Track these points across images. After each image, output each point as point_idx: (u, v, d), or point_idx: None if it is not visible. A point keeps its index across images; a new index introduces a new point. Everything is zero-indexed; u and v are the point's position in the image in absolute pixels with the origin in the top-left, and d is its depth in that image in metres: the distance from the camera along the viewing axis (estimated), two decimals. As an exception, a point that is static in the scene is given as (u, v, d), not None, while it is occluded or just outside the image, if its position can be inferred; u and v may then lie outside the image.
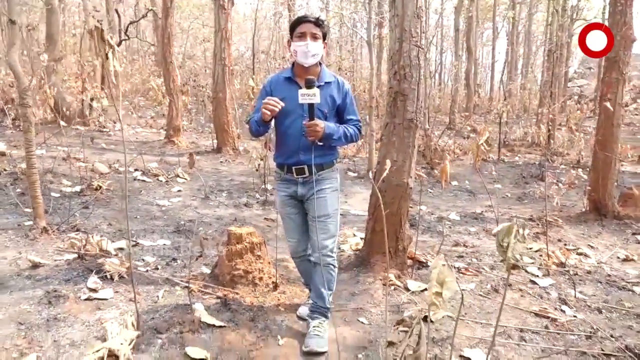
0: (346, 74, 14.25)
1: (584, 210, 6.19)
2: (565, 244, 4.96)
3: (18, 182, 5.21)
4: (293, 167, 2.56)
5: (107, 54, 2.38)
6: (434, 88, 24.11)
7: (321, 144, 2.46)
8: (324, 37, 2.54)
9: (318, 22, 2.50)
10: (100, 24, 2.09)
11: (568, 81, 20.57)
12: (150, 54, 22.91)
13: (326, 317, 2.69)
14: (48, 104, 7.29)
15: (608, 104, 5.82)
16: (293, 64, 2.61)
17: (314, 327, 2.61)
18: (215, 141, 8.99)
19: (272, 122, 2.56)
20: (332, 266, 2.66)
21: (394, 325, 1.88)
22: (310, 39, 2.45)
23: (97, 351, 2.26)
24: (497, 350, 2.70)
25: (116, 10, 12.11)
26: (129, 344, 2.33)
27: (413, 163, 3.45)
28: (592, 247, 5.02)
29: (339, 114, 2.64)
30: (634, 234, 5.44)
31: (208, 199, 5.77)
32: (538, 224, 5.58)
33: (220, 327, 2.63)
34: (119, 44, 12.49)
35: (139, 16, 15.56)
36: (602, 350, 2.75)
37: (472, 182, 8.25)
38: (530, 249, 4.71)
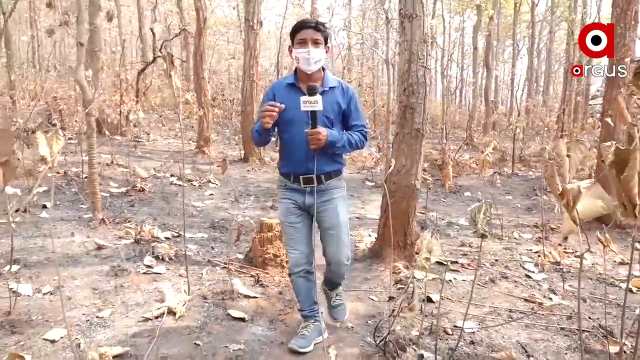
0: (365, 89, 14.83)
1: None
2: (565, 248, 5.37)
3: (72, 183, 5.88)
4: (300, 177, 2.48)
5: (170, 73, 3.00)
6: (454, 104, 24.57)
7: (325, 151, 2.43)
8: (326, 41, 2.46)
9: (318, 27, 2.42)
10: (169, 51, 2.68)
11: (590, 99, 20.76)
12: (179, 68, 23.91)
13: (341, 285, 2.87)
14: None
15: (609, 120, 6.25)
16: (296, 70, 2.54)
17: (336, 296, 2.83)
18: (242, 151, 9.64)
19: (275, 130, 2.54)
20: (347, 270, 2.73)
21: (393, 284, 2.40)
22: (312, 45, 2.38)
23: (159, 308, 2.84)
24: (487, 324, 3.18)
25: (151, 29, 12.96)
26: (183, 305, 2.90)
27: (420, 167, 3.98)
28: (591, 251, 5.41)
29: (344, 119, 2.56)
30: (633, 241, 5.82)
31: (237, 201, 6.36)
32: (542, 230, 6.00)
33: (254, 297, 3.19)
34: (153, 61, 13.38)
35: (170, 34, 16.52)
36: (579, 327, 3.21)
37: (484, 194, 8.66)
38: (530, 250, 5.16)
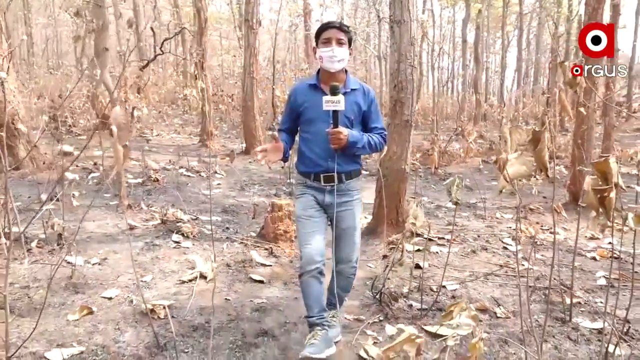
0: (359, 83, 15.36)
1: (565, 201, 7.19)
2: (541, 226, 5.97)
3: (92, 175, 6.41)
4: (321, 175, 2.49)
5: (197, 76, 3.54)
6: (445, 96, 25.15)
7: (345, 151, 2.45)
8: (350, 42, 2.52)
9: (342, 28, 2.49)
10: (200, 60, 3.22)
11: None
12: (174, 64, 24.31)
13: (338, 308, 2.70)
14: (102, 112, 8.56)
15: (582, 109, 6.85)
16: (318, 71, 2.58)
17: (331, 317, 2.66)
18: (243, 144, 10.18)
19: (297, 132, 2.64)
20: (353, 275, 2.65)
21: (386, 245, 2.97)
22: (336, 45, 2.43)
23: (192, 273, 3.40)
24: (467, 284, 3.76)
25: (152, 28, 13.41)
26: (212, 270, 3.46)
27: (409, 153, 4.55)
28: (565, 229, 6.02)
29: (364, 121, 2.59)
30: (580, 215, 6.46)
31: (243, 190, 6.92)
32: (522, 211, 6.60)
33: (269, 265, 3.76)
34: (154, 59, 13.83)
35: (169, 32, 16.94)
36: (544, 285, 3.81)
37: (472, 181, 9.27)
38: (510, 227, 5.76)
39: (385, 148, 3.12)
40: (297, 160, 2.62)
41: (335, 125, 2.36)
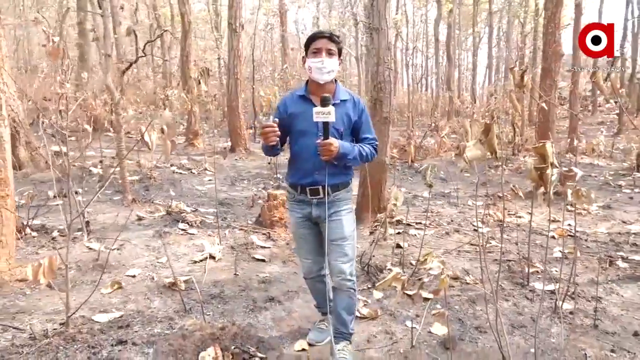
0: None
1: (530, 189, 7.84)
2: (509, 212, 6.58)
3: (91, 174, 6.77)
4: (307, 188, 2.46)
5: (199, 80, 4.00)
6: (420, 92, 25.90)
7: (335, 162, 2.39)
8: (339, 52, 2.47)
9: (333, 38, 2.43)
10: (207, 67, 3.67)
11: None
12: (155, 66, 24.45)
13: (349, 340, 2.66)
14: (92, 114, 8.88)
15: (544, 105, 7.52)
16: (307, 81, 2.53)
17: (338, 350, 2.56)
18: (229, 142, 10.60)
19: (287, 141, 2.56)
20: (352, 290, 2.57)
21: (373, 222, 3.48)
22: (326, 55, 2.38)
23: (202, 254, 3.86)
24: (442, 259, 4.30)
25: (134, 31, 13.65)
26: (219, 252, 3.93)
27: (388, 147, 5.09)
28: (529, 213, 6.64)
29: (355, 132, 2.54)
30: (565, 204, 7.11)
31: (234, 185, 7.36)
32: (491, 198, 7.22)
33: (268, 247, 4.25)
34: (136, 61, 14.08)
35: (151, 34, 17.16)
36: (507, 258, 4.39)
37: (446, 173, 9.90)
38: (480, 212, 6.35)
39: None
40: (287, 172, 2.63)
41: (326, 137, 2.29)
